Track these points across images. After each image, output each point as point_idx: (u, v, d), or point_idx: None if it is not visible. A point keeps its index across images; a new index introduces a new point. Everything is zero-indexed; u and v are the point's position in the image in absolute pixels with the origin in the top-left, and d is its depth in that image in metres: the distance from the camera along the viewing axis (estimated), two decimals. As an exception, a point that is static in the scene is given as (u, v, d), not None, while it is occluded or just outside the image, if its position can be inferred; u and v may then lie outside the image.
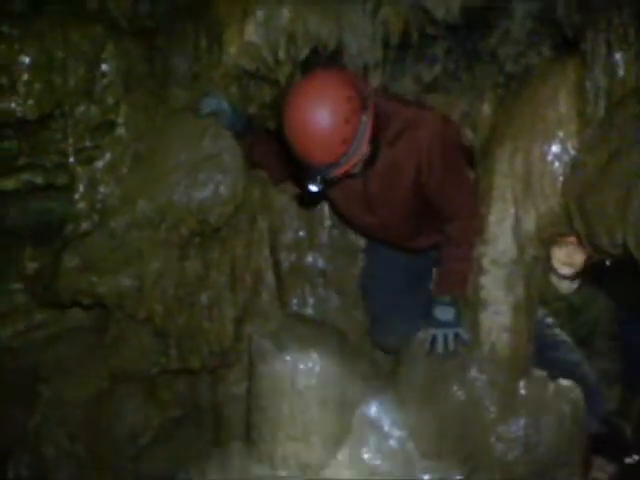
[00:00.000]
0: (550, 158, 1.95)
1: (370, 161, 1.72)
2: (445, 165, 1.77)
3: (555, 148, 1.95)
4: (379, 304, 2.09)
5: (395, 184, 1.80)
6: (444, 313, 1.90)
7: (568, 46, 1.99)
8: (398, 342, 2.05)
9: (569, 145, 1.95)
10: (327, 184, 1.66)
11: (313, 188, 1.62)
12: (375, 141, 1.67)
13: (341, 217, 2.09)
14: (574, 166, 1.96)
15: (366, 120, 1.61)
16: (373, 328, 2.12)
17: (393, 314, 2.05)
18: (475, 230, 1.92)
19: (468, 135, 2.06)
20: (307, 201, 2.02)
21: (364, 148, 1.63)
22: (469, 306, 2.01)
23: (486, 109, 2.08)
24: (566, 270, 2.50)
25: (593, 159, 2.00)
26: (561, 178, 1.96)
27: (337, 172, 1.63)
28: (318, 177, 1.60)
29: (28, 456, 1.99)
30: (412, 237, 2.02)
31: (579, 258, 2.45)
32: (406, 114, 1.74)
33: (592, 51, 1.96)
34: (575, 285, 2.64)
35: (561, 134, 1.95)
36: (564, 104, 1.97)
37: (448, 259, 1.93)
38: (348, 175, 1.70)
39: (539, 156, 1.96)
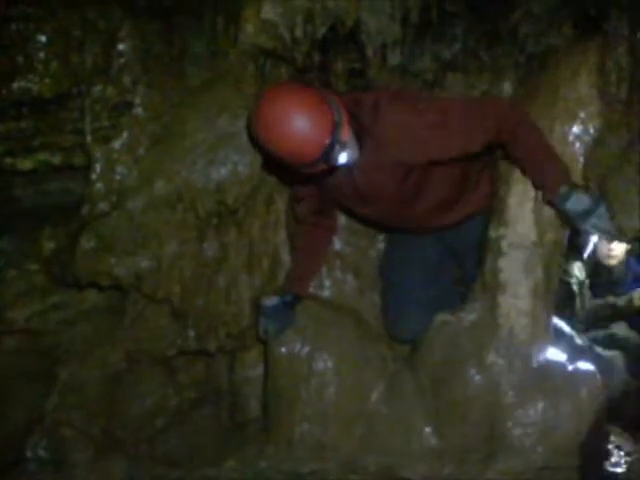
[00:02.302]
0: (571, 139, 1.93)
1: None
2: (423, 123, 1.65)
3: (576, 129, 1.93)
4: (396, 294, 2.06)
5: (379, 178, 1.75)
6: (578, 202, 1.70)
7: (590, 25, 1.96)
8: (414, 333, 2.03)
9: (590, 126, 1.93)
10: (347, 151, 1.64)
11: (343, 159, 1.62)
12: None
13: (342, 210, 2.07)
14: (595, 147, 1.94)
15: (332, 98, 1.62)
16: (389, 318, 2.09)
17: (410, 305, 2.02)
18: (518, 116, 1.75)
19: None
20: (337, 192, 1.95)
21: (344, 115, 1.62)
22: (488, 289, 2.00)
23: (506, 89, 2.05)
24: (612, 261, 2.94)
25: (614, 140, 1.99)
26: (582, 159, 1.94)
27: (343, 134, 1.60)
28: (337, 147, 1.59)
29: (45, 437, 1.99)
30: (415, 218, 1.96)
31: (621, 249, 2.89)
32: (362, 105, 1.68)
33: (614, 30, 1.94)
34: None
35: (582, 114, 1.93)
36: (585, 84, 1.94)
37: (529, 158, 1.77)
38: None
39: (560, 137, 1.93)
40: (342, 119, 1.61)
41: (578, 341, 2.28)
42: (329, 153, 1.59)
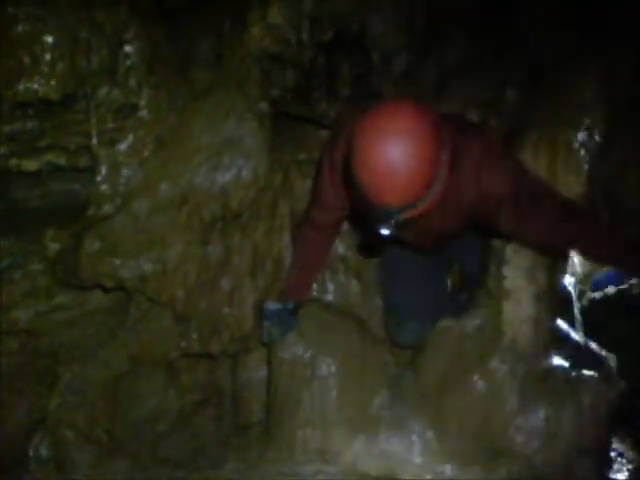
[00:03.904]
0: (576, 145, 1.93)
1: None
2: (530, 214, 1.58)
3: (581, 135, 1.93)
4: (396, 300, 2.04)
5: (446, 217, 1.64)
6: None
7: (595, 32, 1.96)
8: (414, 338, 2.02)
9: (595, 132, 1.94)
10: (399, 226, 1.45)
11: (385, 232, 1.43)
12: None
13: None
14: (600, 154, 1.94)
15: (445, 158, 1.42)
16: (390, 324, 2.08)
17: (410, 310, 2.00)
18: (607, 233, 1.70)
19: (492, 122, 2.04)
20: (375, 246, 1.92)
21: (441, 187, 1.43)
22: (491, 295, 2.00)
23: (511, 95, 2.05)
24: None
25: (619, 147, 1.99)
26: (586, 166, 1.94)
27: (412, 213, 1.43)
28: (392, 221, 1.41)
29: (47, 438, 1.98)
30: (445, 245, 1.96)
31: None
32: (472, 153, 1.53)
33: (619, 37, 1.94)
34: None
35: (587, 121, 1.93)
36: (590, 91, 1.95)
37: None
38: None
39: (564, 143, 1.94)
40: (443, 175, 1.42)
41: (575, 337, 2.27)
42: (413, 206, 1.41)
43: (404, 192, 1.36)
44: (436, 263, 2.06)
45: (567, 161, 1.93)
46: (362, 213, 1.52)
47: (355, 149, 1.36)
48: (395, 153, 1.31)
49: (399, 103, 1.40)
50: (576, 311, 2.89)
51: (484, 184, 1.53)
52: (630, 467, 2.01)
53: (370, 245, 2.03)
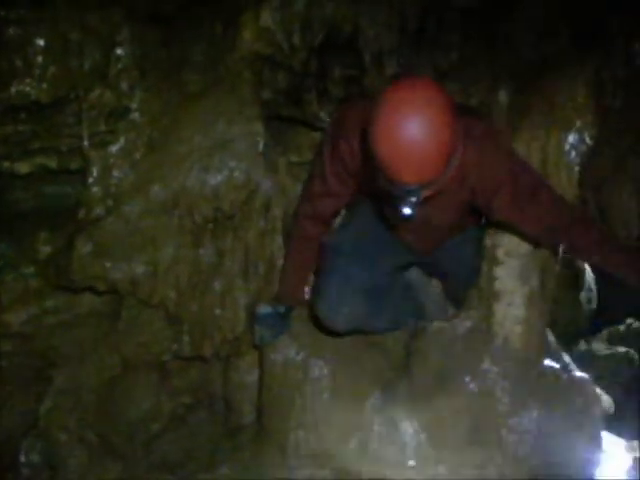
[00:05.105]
0: (567, 147, 1.94)
1: None
2: (525, 202, 1.60)
3: (572, 138, 1.94)
4: (335, 280, 1.85)
5: (445, 204, 1.64)
6: None
7: (587, 35, 1.98)
8: (345, 323, 1.87)
9: (586, 135, 1.95)
10: (419, 204, 1.42)
11: (407, 211, 1.41)
12: None
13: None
14: (591, 157, 1.95)
15: (460, 134, 1.42)
16: (321, 303, 1.87)
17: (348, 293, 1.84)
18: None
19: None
20: (394, 225, 1.83)
21: (456, 163, 1.43)
22: (483, 297, 2.00)
23: (503, 97, 2.06)
24: None
25: (610, 150, 2.00)
26: (577, 168, 1.95)
27: (431, 191, 1.42)
28: (414, 199, 1.38)
29: (40, 442, 1.99)
30: (436, 246, 1.94)
31: None
32: (474, 136, 1.52)
33: (612, 40, 1.96)
34: None
35: (578, 123, 1.94)
36: (581, 94, 1.96)
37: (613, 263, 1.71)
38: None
39: (556, 145, 1.95)
40: (460, 150, 1.42)
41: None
42: (434, 183, 1.39)
43: (428, 167, 1.34)
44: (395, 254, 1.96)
45: (558, 163, 1.94)
46: (377, 195, 1.51)
47: (375, 125, 1.32)
48: (417, 128, 1.29)
49: (416, 77, 1.40)
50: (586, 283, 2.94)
51: (485, 168, 1.55)
52: (622, 468, 2.01)
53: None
